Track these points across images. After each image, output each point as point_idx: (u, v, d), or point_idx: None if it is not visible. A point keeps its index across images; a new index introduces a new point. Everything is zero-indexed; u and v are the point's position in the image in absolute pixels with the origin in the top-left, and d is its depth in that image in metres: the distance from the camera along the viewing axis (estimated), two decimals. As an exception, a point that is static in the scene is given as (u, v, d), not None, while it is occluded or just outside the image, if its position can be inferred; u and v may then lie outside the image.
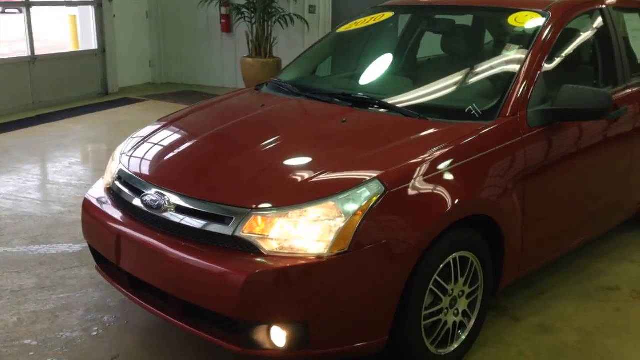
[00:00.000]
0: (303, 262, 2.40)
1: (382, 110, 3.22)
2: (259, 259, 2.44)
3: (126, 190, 2.94)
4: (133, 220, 2.83)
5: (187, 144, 3.07)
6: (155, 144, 3.20)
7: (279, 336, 2.48)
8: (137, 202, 2.83)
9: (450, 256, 2.73)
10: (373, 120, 3.13)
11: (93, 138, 7.18)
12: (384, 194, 2.49)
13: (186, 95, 9.87)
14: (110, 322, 3.28)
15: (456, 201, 2.68)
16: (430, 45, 4.03)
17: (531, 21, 3.41)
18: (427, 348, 2.75)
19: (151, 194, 2.76)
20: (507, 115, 3.01)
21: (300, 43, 9.94)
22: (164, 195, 2.72)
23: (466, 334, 2.93)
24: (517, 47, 3.33)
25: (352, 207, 2.45)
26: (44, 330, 3.21)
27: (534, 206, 3.07)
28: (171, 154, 3.00)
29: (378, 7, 4.12)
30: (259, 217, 2.49)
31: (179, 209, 2.67)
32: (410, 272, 2.56)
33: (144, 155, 3.11)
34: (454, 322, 2.86)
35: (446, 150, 2.74)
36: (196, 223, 2.61)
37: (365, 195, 2.47)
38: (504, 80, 3.18)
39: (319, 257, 2.41)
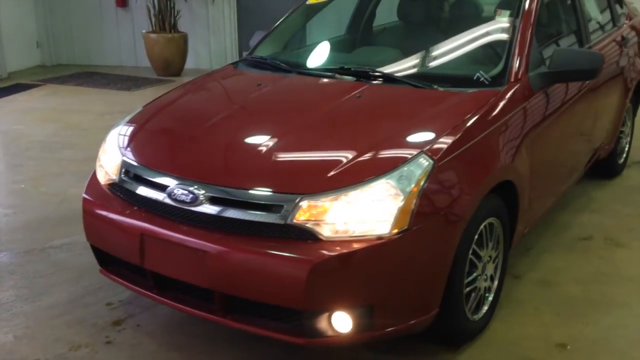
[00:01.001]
0: (367, 244, 2.34)
1: (385, 82, 3.17)
2: (319, 246, 2.36)
3: (141, 185, 2.73)
4: (157, 217, 2.64)
5: (200, 130, 2.88)
6: (160, 132, 3.00)
7: (343, 322, 2.42)
8: (160, 196, 2.64)
9: (483, 223, 2.77)
10: (387, 94, 3.09)
11: (4, 130, 6.60)
12: (433, 168, 2.48)
13: (86, 76, 9.32)
14: (120, 328, 3.07)
15: (492, 168, 2.72)
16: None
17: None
18: (467, 316, 2.80)
19: (180, 186, 2.58)
20: (513, 80, 3.07)
21: (204, 15, 9.65)
22: (195, 188, 2.54)
23: (492, 296, 3.01)
24: (508, 12, 3.38)
25: (407, 183, 2.42)
26: (48, 344, 2.95)
27: (537, 164, 3.18)
28: (187, 142, 2.81)
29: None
30: (312, 202, 2.40)
31: (215, 201, 2.52)
32: (458, 242, 2.58)
33: (152, 145, 2.92)
34: (484, 287, 2.93)
35: (475, 118, 2.76)
36: (240, 214, 2.47)
37: (417, 171, 2.45)
38: (502, 46, 3.24)
39: (381, 237, 2.36)
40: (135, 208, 2.73)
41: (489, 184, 2.71)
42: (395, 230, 2.37)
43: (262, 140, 2.70)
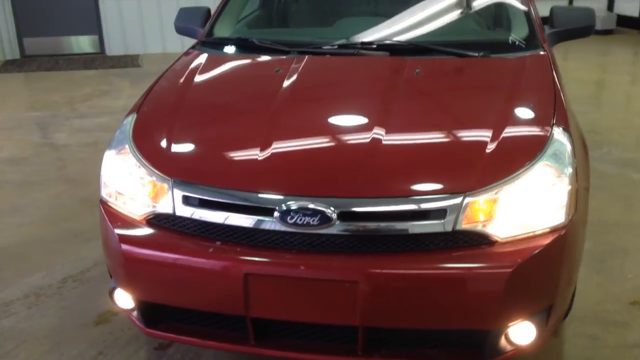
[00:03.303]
0: (552, 238, 2.04)
1: (419, 54, 2.82)
2: (500, 250, 2.01)
3: (222, 211, 2.08)
4: (262, 250, 2.04)
5: (272, 131, 2.27)
6: (214, 141, 2.34)
7: (525, 332, 2.11)
8: (265, 223, 2.03)
9: None
10: (444, 67, 2.74)
11: None
12: (571, 140, 2.25)
13: None
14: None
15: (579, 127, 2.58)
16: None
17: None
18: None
19: (298, 207, 2.00)
20: (543, 41, 2.94)
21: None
22: (323, 205, 2.00)
23: None
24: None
25: (563, 162, 2.15)
26: None
27: None
28: (271, 149, 2.18)
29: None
30: (476, 199, 2.02)
31: (350, 217, 2.01)
32: None
33: (218, 158, 2.25)
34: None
35: (557, 83, 2.58)
36: (389, 229, 2.00)
37: (566, 147, 2.20)
38: (509, 8, 3.09)
39: (557, 228, 2.07)
40: (219, 243, 2.08)
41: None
42: (570, 216, 2.10)
43: (367, 134, 2.20)
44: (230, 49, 3.05)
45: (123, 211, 2.26)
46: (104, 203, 2.34)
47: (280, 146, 2.20)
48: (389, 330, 2.08)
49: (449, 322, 2.02)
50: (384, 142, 2.17)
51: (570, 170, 2.14)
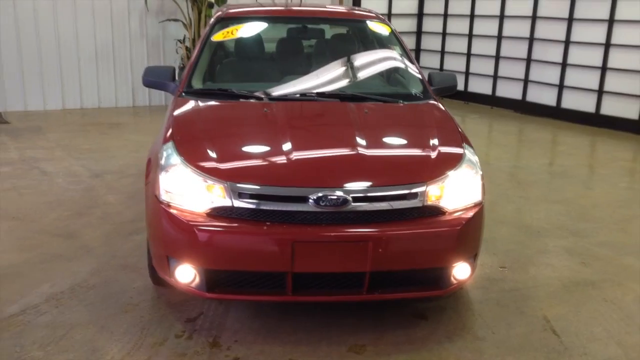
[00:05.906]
0: (476, 209, 3.30)
1: (357, 100, 4.02)
2: (449, 217, 3.22)
3: (269, 201, 3.07)
4: (302, 224, 3.06)
5: (289, 145, 3.30)
6: (247, 154, 3.37)
7: (464, 270, 3.31)
8: (301, 207, 3.05)
9: None
10: (380, 109, 3.96)
11: None
12: (475, 154, 3.57)
13: None
14: (224, 344, 3.23)
15: None
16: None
17: (383, 27, 4.71)
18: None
19: (326, 195, 3.05)
20: (433, 95, 4.30)
21: None
22: (342, 193, 3.07)
23: None
24: (394, 46, 4.60)
25: (475, 166, 3.45)
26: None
27: None
28: (292, 158, 3.22)
29: (225, 20, 4.67)
30: (433, 187, 3.22)
31: (360, 200, 3.11)
32: None
33: (253, 166, 3.27)
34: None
35: (454, 119, 3.92)
36: (384, 206, 3.13)
37: (475, 157, 3.51)
38: (408, 72, 4.45)
39: (478, 204, 3.35)
40: (268, 223, 3.06)
41: None
42: (482, 197, 3.39)
43: (354, 150, 3.35)
44: (213, 96, 4.01)
45: (185, 208, 3.13)
46: (165, 204, 3.17)
47: (300, 156, 3.27)
48: (384, 276, 3.16)
49: (423, 263, 3.18)
50: (370, 153, 3.33)
51: (479, 171, 3.44)
